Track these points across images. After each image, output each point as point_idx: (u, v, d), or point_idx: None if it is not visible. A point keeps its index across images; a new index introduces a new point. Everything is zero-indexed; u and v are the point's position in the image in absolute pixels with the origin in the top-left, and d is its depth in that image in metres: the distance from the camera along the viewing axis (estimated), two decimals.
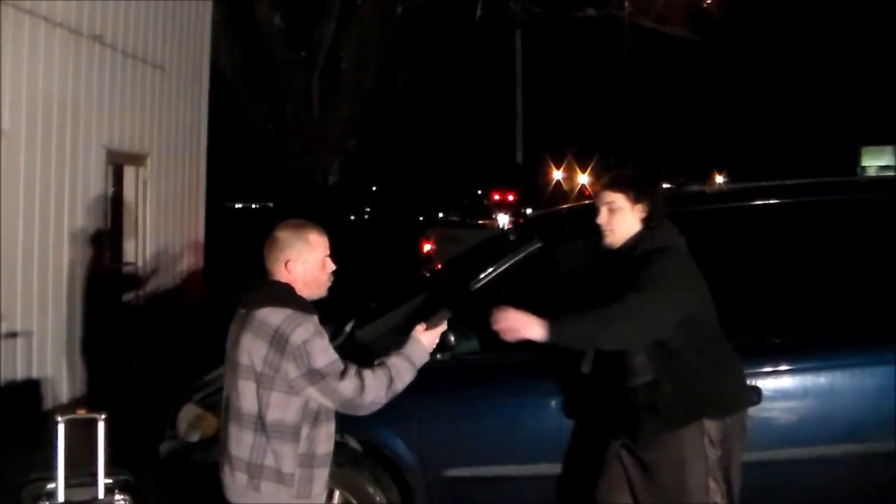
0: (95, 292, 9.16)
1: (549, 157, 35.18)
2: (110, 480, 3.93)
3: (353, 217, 18.47)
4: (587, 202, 4.94)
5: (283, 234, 3.56)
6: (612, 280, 4.00)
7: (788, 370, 4.75)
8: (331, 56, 14.97)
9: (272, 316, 3.43)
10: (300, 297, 3.51)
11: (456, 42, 21.60)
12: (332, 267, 3.63)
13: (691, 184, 7.94)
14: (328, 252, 3.62)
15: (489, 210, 29.45)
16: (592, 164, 35.44)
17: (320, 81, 14.99)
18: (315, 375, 3.39)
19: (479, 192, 32.86)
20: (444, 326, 3.81)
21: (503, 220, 26.77)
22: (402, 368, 3.58)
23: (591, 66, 30.83)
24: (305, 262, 3.54)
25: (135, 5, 10.03)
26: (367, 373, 3.49)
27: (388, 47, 15.37)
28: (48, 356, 8.46)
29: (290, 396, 3.43)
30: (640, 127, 30.09)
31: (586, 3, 17.28)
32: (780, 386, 4.71)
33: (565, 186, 36.44)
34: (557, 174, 36.71)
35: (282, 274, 3.54)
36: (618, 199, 4.05)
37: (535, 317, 3.77)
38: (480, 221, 25.22)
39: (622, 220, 4.06)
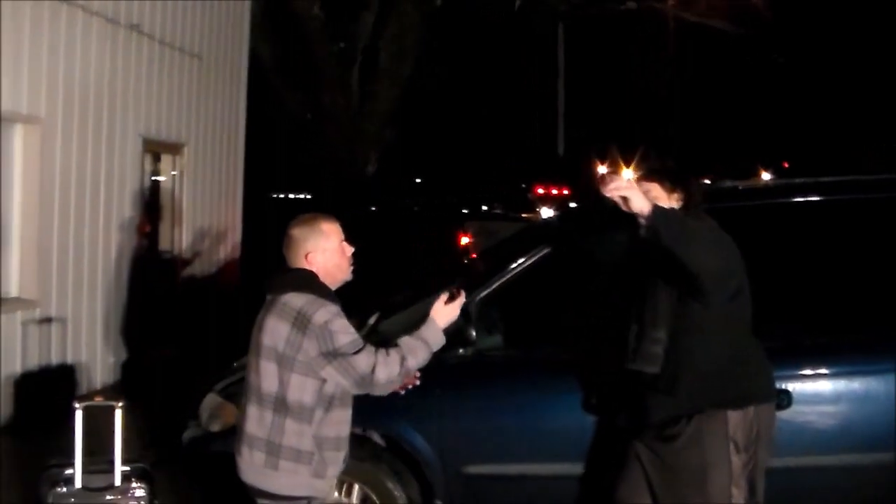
0: (131, 279, 9.24)
1: (592, 150, 34.99)
2: (127, 468, 3.94)
3: (391, 209, 18.45)
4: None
5: (297, 231, 3.69)
6: (648, 271, 3.94)
7: (820, 374, 4.65)
8: (370, 47, 14.96)
9: (295, 300, 3.56)
10: (322, 284, 3.64)
11: (497, 33, 21.49)
12: (350, 250, 3.75)
13: (727, 180, 7.83)
14: (343, 237, 3.74)
15: (533, 203, 29.28)
16: (637, 159, 35.13)
17: (359, 72, 14.98)
18: (335, 354, 3.49)
19: (523, 185, 32.67)
20: (462, 299, 3.82)
21: (547, 213, 26.60)
22: (415, 346, 3.64)
23: (633, 60, 30.57)
24: (324, 250, 3.67)
25: None
26: (381, 351, 3.59)
27: (427, 38, 15.32)
28: (82, 342, 8.54)
29: (307, 378, 3.54)
30: (676, 122, 29.81)
31: None
32: (810, 390, 4.58)
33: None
34: (602, 168, 36.49)
35: (303, 266, 3.67)
36: (654, 189, 4.00)
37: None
38: (524, 215, 25.08)
39: None
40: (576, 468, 4.62)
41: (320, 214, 3.77)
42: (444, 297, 3.80)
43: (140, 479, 3.95)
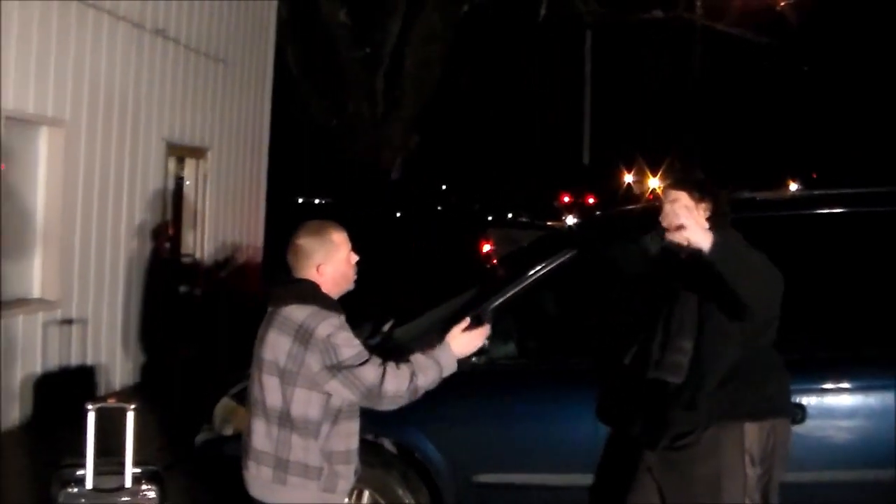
0: (152, 282, 9.29)
1: (619, 159, 34.90)
2: (138, 470, 3.95)
3: (409, 215, 18.47)
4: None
5: (307, 241, 3.60)
6: (672, 281, 3.94)
7: (836, 388, 4.62)
8: (395, 54, 14.99)
9: (296, 312, 3.48)
10: (325, 295, 3.56)
11: (523, 41, 21.49)
12: (355, 259, 3.67)
13: (751, 190, 7.77)
14: (350, 246, 3.66)
15: (558, 211, 29.28)
16: (664, 168, 35.07)
17: (384, 79, 15.00)
18: (339, 367, 3.41)
19: (549, 193, 32.65)
20: (485, 331, 3.75)
21: (572, 221, 26.57)
22: (426, 366, 3.55)
23: (660, 69, 30.48)
24: (334, 262, 3.59)
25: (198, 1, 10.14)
26: (390, 364, 3.50)
27: (452, 46, 15.33)
28: (102, 344, 8.60)
29: (312, 393, 3.47)
30: (702, 131, 29.67)
31: (654, 4, 17.06)
32: (826, 404, 4.56)
33: (636, 190, 36.09)
34: (628, 177, 36.39)
35: (313, 278, 3.59)
36: (682, 198, 3.99)
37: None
38: (549, 223, 25.07)
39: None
40: (587, 479, 4.60)
41: (328, 223, 3.68)
42: (464, 323, 3.73)
43: (151, 481, 3.94)
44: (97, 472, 3.92)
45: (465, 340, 3.69)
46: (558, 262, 4.91)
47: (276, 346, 3.48)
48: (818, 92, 29.96)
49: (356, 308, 3.97)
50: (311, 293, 3.53)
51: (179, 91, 9.86)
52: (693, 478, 3.85)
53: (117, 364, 8.82)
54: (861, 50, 27.73)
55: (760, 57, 24.45)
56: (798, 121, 30.93)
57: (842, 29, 26.45)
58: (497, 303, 4.82)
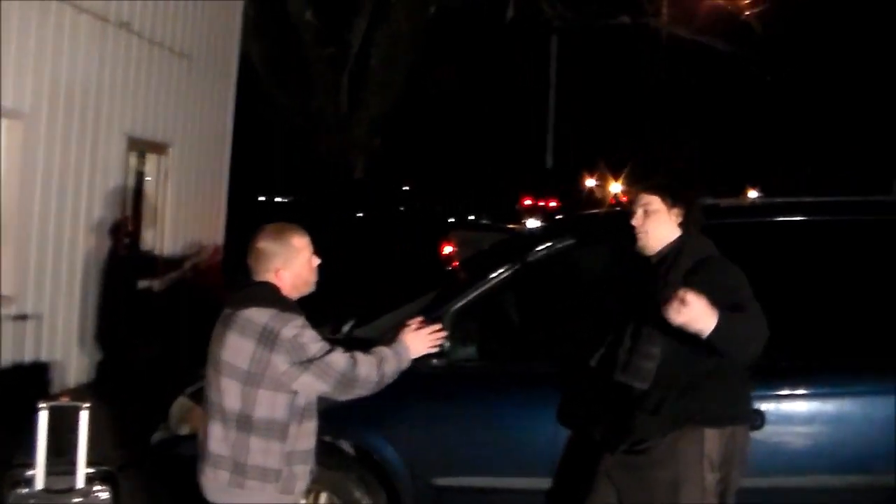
0: (110, 279, 9.17)
1: (581, 163, 35.02)
2: (91, 470, 3.89)
3: (371, 215, 18.39)
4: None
5: (267, 245, 3.57)
6: (642, 286, 3.95)
7: (795, 395, 4.64)
8: (361, 53, 14.93)
9: (258, 315, 3.45)
10: (285, 298, 3.54)
11: (489, 44, 21.52)
12: (317, 262, 3.66)
13: (710, 196, 7.81)
14: (311, 250, 3.64)
15: (519, 215, 29.35)
16: (626, 173, 35.22)
17: (349, 78, 14.95)
18: (308, 362, 3.41)
19: (510, 196, 32.72)
20: (441, 333, 3.78)
21: (533, 224, 26.63)
22: (389, 357, 3.58)
23: (625, 74, 30.63)
24: (294, 266, 3.58)
25: None
26: (356, 351, 3.54)
27: (419, 47, 15.31)
28: (58, 340, 8.47)
29: (278, 394, 3.45)
30: (666, 137, 29.87)
31: (621, 10, 17.13)
32: (784, 411, 4.58)
33: (598, 194, 36.22)
34: (590, 181, 36.52)
35: (271, 281, 3.58)
36: (654, 202, 4.02)
37: (711, 308, 3.51)
38: (510, 225, 25.11)
39: (657, 223, 4.01)
40: (546, 483, 4.59)
41: (289, 226, 3.65)
42: (416, 322, 3.75)
43: (104, 482, 3.89)
44: (48, 473, 3.86)
45: (420, 339, 3.71)
46: (517, 266, 4.90)
47: (237, 349, 3.44)
48: (780, 100, 30.25)
49: (317, 309, 3.94)
50: (270, 296, 3.51)
51: (142, 85, 9.75)
52: (652, 482, 3.86)
53: (73, 361, 8.69)
54: (823, 59, 28.04)
55: (725, 64, 24.63)
56: (759, 128, 31.19)
57: (804, 39, 26.72)
58: (458, 305, 4.80)
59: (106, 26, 8.93)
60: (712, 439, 3.84)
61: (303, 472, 3.58)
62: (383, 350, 3.60)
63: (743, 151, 31.55)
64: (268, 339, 3.40)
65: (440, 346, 4.46)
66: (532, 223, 27.30)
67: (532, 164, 31.76)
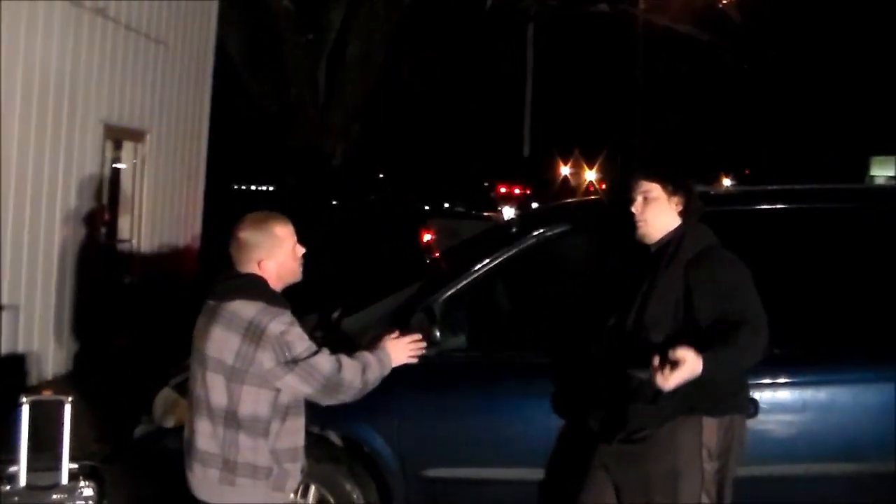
0: (87, 269, 9.03)
1: (556, 151, 35.04)
2: (75, 466, 3.79)
3: (348, 204, 18.29)
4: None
5: (249, 234, 3.46)
6: (641, 274, 3.89)
7: (787, 383, 4.58)
8: (339, 40, 14.78)
9: (244, 309, 3.35)
10: (272, 291, 3.44)
11: (467, 32, 21.41)
12: (301, 251, 3.55)
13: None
14: (295, 239, 3.53)
15: (495, 203, 29.34)
16: (600, 161, 35.28)
17: (327, 65, 14.80)
18: (293, 362, 3.31)
19: (486, 184, 32.73)
20: (420, 347, 3.69)
21: (508, 213, 26.63)
22: (373, 363, 3.50)
23: (602, 62, 30.63)
24: (277, 256, 3.47)
25: None
26: (341, 354, 3.45)
27: (397, 34, 15.18)
28: (35, 331, 8.32)
29: (262, 390, 3.35)
30: (642, 125, 29.90)
31: None
32: (777, 399, 4.53)
33: (573, 182, 36.27)
34: (565, 170, 36.56)
35: (254, 272, 3.47)
36: (654, 189, 3.95)
37: (697, 355, 3.53)
38: (486, 213, 25.09)
39: (657, 211, 3.95)
40: (539, 473, 4.53)
41: (272, 215, 3.53)
42: (395, 334, 3.66)
43: (88, 477, 3.80)
44: (31, 469, 3.77)
45: (401, 347, 3.62)
46: (510, 253, 4.82)
47: (222, 343, 3.34)
48: (758, 87, 30.36)
49: (301, 298, 3.86)
50: (257, 288, 3.41)
51: (118, 72, 9.59)
52: (650, 472, 3.81)
53: (50, 352, 8.54)
54: (800, 47, 28.16)
55: (701, 53, 24.67)
56: (735, 117, 31.32)
57: (782, 27, 26.81)
58: (448, 294, 4.73)
59: (81, 12, 8.76)
60: (710, 429, 3.80)
61: (294, 470, 3.50)
62: (367, 356, 3.51)
63: (719, 139, 31.68)
64: (254, 334, 3.30)
65: (432, 333, 4.43)
66: (508, 211, 27.28)
67: (509, 152, 31.71)
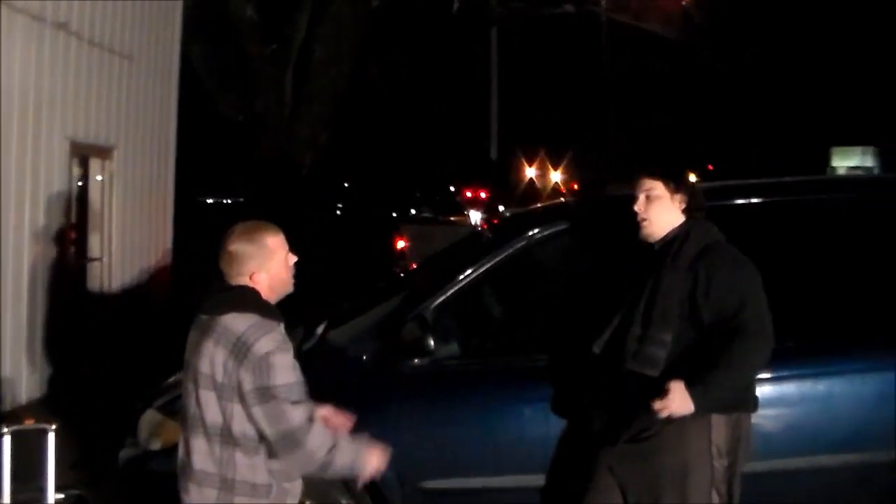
0: (58, 289, 8.85)
1: (521, 154, 35.01)
2: (61, 496, 3.64)
3: (322, 214, 18.15)
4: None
5: (239, 247, 3.31)
6: (645, 272, 3.83)
7: (784, 376, 4.48)
8: (304, 49, 14.65)
9: (236, 322, 3.21)
10: (266, 303, 3.30)
11: (432, 37, 21.34)
12: (293, 259, 3.41)
13: None
14: (287, 248, 3.39)
15: (462, 207, 29.29)
16: (566, 162, 35.29)
17: (293, 75, 14.66)
18: (267, 394, 3.14)
19: (452, 188, 32.67)
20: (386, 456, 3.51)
21: (475, 216, 26.59)
22: (345, 448, 3.29)
23: (568, 63, 30.67)
24: (270, 268, 3.33)
25: None
26: (318, 421, 3.24)
27: (362, 41, 15.06)
28: (6, 355, 8.11)
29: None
30: (611, 124, 30.00)
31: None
32: (775, 393, 4.42)
33: (538, 184, 36.26)
34: (530, 171, 36.53)
35: (247, 285, 3.33)
36: (657, 187, 3.89)
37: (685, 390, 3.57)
38: (452, 218, 25.04)
39: (660, 209, 3.88)
40: (541, 479, 4.43)
41: (262, 225, 3.39)
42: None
43: None
44: (14, 501, 3.61)
45: (376, 455, 3.43)
46: (502, 255, 4.72)
47: (213, 358, 3.21)
48: (715, 85, 30.49)
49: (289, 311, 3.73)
50: (250, 301, 3.27)
51: (83, 88, 9.41)
52: (658, 470, 3.74)
53: (23, 376, 8.34)
54: (755, 45, 28.34)
55: (664, 50, 24.77)
56: (696, 113, 31.43)
57: (739, 21, 26.97)
58: (438, 301, 4.63)
59: (43, 27, 8.58)
60: (719, 426, 3.75)
61: (293, 488, 3.38)
62: (346, 439, 3.34)
63: (682, 135, 31.74)
64: (239, 350, 3.16)
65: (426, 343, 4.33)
66: (474, 215, 27.22)
67: (476, 156, 31.64)
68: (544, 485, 4.43)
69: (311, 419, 3.19)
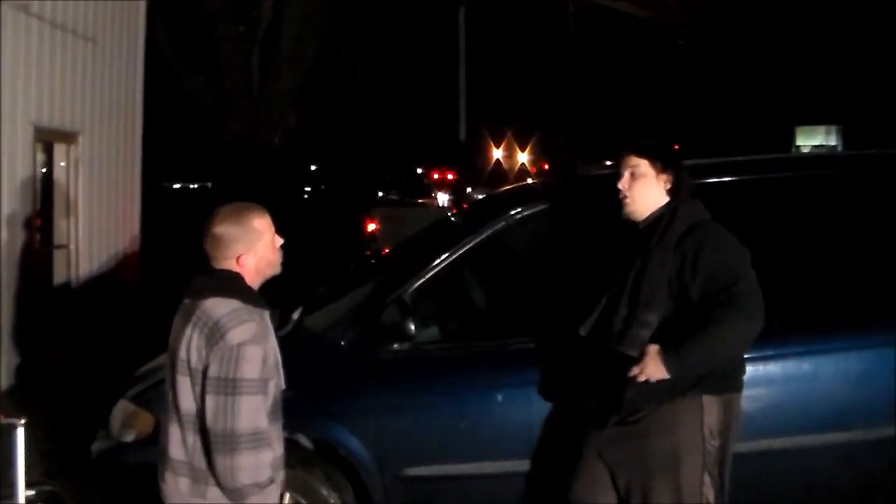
0: (24, 277, 8.67)
1: (488, 135, 34.92)
2: (32, 492, 3.51)
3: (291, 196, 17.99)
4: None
5: (226, 229, 3.20)
6: (631, 252, 3.74)
7: (771, 355, 4.40)
8: (271, 29, 14.47)
9: (217, 307, 3.11)
10: (250, 289, 3.20)
11: (400, 17, 21.17)
12: (280, 241, 3.31)
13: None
14: (274, 230, 3.29)
15: (429, 189, 29.21)
16: (533, 143, 35.26)
17: (260, 55, 14.47)
18: (229, 386, 3.01)
19: (420, 170, 32.59)
20: None
21: (443, 198, 26.52)
22: (269, 491, 3.17)
23: (535, 43, 30.57)
24: (257, 251, 3.23)
25: None
26: (267, 448, 3.08)
27: (330, 21, 14.90)
28: None
29: None
30: (581, 104, 29.95)
31: None
32: (761, 372, 4.35)
33: (505, 165, 36.20)
34: (497, 153, 36.44)
35: (232, 268, 3.22)
36: (642, 165, 3.79)
37: (658, 355, 3.52)
38: (420, 200, 24.97)
39: (645, 188, 3.78)
40: (524, 465, 4.36)
41: (248, 207, 3.28)
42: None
43: (47, 503, 3.52)
44: None
45: None
46: (481, 236, 4.63)
47: (190, 343, 3.10)
48: (681, 65, 30.52)
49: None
50: (233, 286, 3.16)
51: (46, 71, 9.18)
52: (649, 453, 3.66)
53: None
54: (720, 25, 28.39)
55: (633, 31, 24.73)
56: (662, 94, 31.44)
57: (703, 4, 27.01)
58: (416, 284, 4.53)
59: (4, 9, 8.36)
60: (711, 407, 3.68)
61: (279, 478, 3.28)
62: (277, 487, 3.23)
63: (648, 115, 31.76)
64: (212, 337, 3.05)
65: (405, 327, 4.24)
66: (441, 197, 27.14)
67: (445, 138, 31.53)
68: (529, 470, 4.35)
69: (260, 440, 3.03)
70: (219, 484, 3.09)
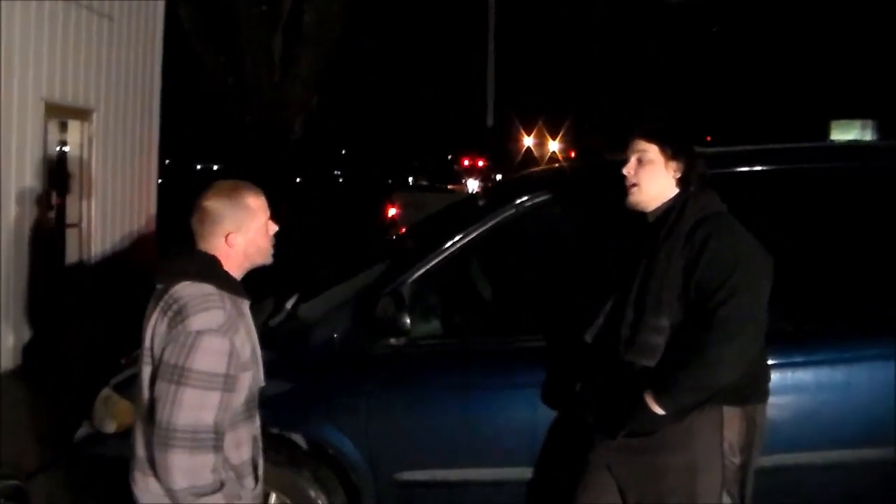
0: (35, 256, 8.54)
1: (519, 122, 34.57)
2: None
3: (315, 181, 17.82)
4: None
5: (216, 204, 2.93)
6: (639, 248, 3.41)
7: (802, 363, 4.10)
8: (294, 10, 14.24)
9: (185, 291, 2.82)
10: (227, 274, 2.93)
11: (429, 3, 20.89)
12: (274, 229, 3.04)
13: None
14: (269, 214, 3.02)
15: (459, 175, 29.03)
16: (563, 131, 34.92)
17: (283, 36, 14.25)
18: (175, 373, 2.72)
19: (449, 156, 32.41)
20: None
21: (472, 185, 26.29)
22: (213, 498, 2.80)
23: (566, 29, 30.20)
24: (248, 231, 2.95)
25: None
26: (211, 450, 2.76)
27: (354, 4, 14.65)
28: None
29: None
30: (608, 91, 29.56)
31: None
32: (789, 381, 4.03)
33: (536, 153, 35.87)
34: (528, 140, 36.10)
35: (220, 249, 2.94)
36: (650, 150, 3.44)
37: (652, 400, 3.20)
38: (450, 186, 24.77)
39: (652, 175, 3.43)
40: (526, 473, 4.08)
41: (243, 184, 3.01)
42: None
43: (11, 499, 3.32)
44: None
45: None
46: (486, 225, 4.33)
47: (155, 330, 2.83)
48: (718, 53, 30.08)
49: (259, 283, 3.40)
50: (207, 269, 2.89)
51: (59, 48, 9.02)
52: (663, 467, 3.33)
53: None
54: (757, 18, 27.94)
55: (666, 16, 24.32)
56: (696, 82, 31.00)
57: None
58: (417, 274, 4.26)
59: None
60: (733, 419, 3.35)
61: (248, 484, 3.00)
62: (248, 495, 2.95)
63: (682, 105, 31.36)
64: (174, 321, 2.78)
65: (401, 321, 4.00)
66: (472, 183, 26.91)
67: (472, 124, 31.23)
68: (531, 479, 4.08)
69: (210, 442, 2.74)
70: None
